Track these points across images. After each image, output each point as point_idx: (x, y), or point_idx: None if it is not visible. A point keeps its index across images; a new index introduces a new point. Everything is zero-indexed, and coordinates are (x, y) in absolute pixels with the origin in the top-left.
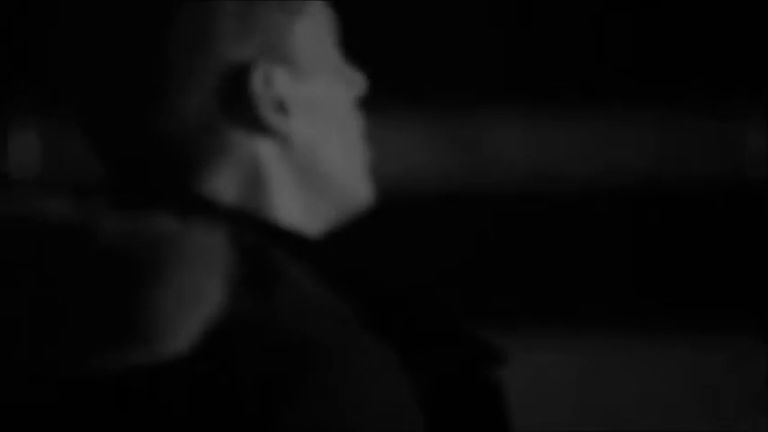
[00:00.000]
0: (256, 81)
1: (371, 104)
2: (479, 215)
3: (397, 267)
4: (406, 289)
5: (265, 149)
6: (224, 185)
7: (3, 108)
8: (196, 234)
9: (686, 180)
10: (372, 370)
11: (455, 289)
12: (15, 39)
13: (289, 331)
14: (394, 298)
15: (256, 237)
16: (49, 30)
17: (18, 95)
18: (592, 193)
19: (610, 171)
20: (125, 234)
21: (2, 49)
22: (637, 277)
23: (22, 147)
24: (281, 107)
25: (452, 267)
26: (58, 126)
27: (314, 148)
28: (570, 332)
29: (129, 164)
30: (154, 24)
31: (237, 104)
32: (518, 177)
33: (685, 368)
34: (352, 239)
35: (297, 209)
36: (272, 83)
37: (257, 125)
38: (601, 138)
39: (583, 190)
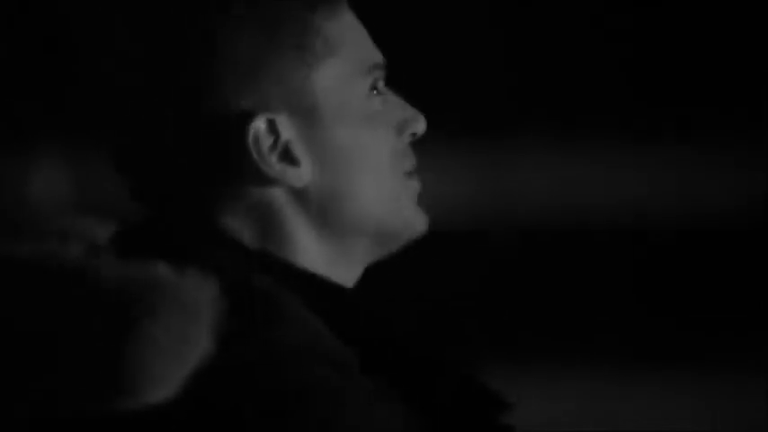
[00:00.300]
0: (254, 130)
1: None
2: (497, 249)
3: (413, 302)
4: (414, 336)
5: (277, 196)
6: (239, 227)
7: (30, 137)
8: (187, 283)
9: (700, 216)
10: (368, 417)
11: (472, 322)
12: (43, 67)
13: (278, 376)
14: (400, 346)
15: (265, 278)
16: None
17: (46, 124)
18: (607, 228)
19: (626, 205)
20: (119, 280)
21: (30, 78)
22: (648, 313)
23: (49, 174)
24: (289, 156)
25: (470, 299)
26: (86, 154)
27: (337, 196)
28: (580, 366)
29: (154, 199)
30: (167, 63)
31: (240, 152)
32: (537, 212)
33: (688, 406)
34: (371, 274)
35: (321, 255)
36: (278, 132)
37: (262, 173)
38: (620, 172)
39: (598, 224)
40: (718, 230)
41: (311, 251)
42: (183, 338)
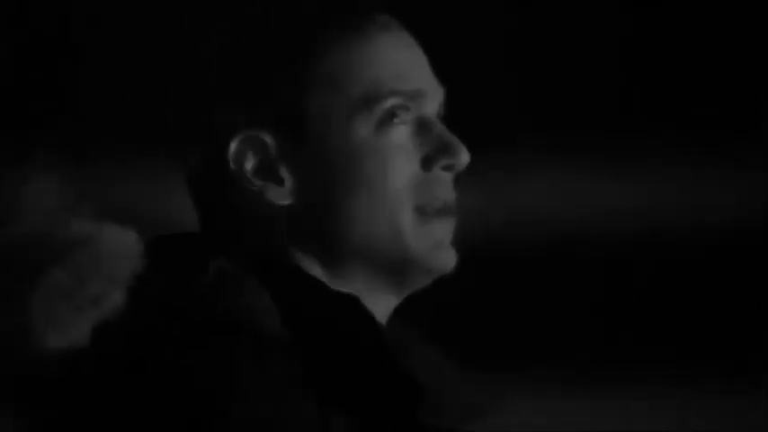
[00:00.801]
0: (236, 145)
1: None
2: (496, 260)
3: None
4: (356, 335)
5: (264, 211)
6: (241, 233)
7: (25, 148)
8: (110, 241)
9: (701, 225)
10: (268, 402)
11: (464, 331)
12: (44, 70)
13: (186, 348)
14: (341, 344)
15: (226, 261)
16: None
17: (42, 136)
18: (607, 239)
19: (626, 214)
20: (55, 238)
21: (27, 89)
22: (650, 322)
23: (42, 187)
24: (273, 174)
25: (465, 309)
26: (82, 166)
27: (327, 220)
28: (568, 382)
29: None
30: (181, 71)
31: (226, 168)
32: (536, 222)
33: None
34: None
35: (320, 268)
36: (265, 150)
37: (244, 187)
38: (618, 181)
39: (598, 235)
40: (720, 238)
41: (312, 269)
42: (90, 288)
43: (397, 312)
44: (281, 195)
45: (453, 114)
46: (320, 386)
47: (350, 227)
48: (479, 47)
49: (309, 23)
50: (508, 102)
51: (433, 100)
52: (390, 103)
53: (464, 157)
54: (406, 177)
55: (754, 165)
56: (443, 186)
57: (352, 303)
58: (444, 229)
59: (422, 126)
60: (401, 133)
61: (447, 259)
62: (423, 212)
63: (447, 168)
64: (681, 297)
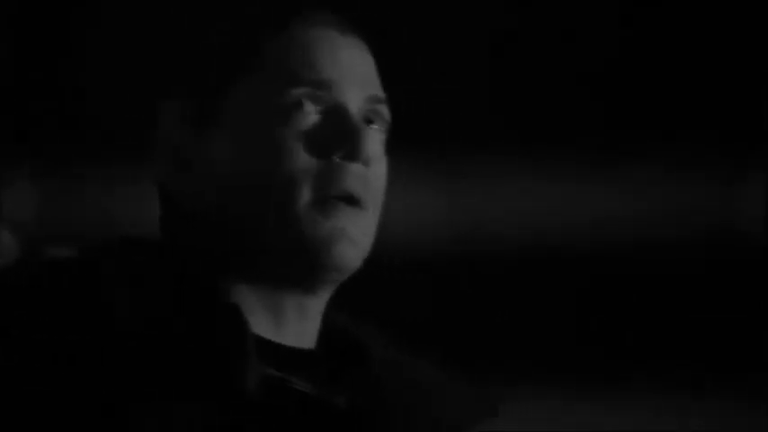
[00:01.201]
0: (159, 141)
1: None
2: (470, 276)
3: (374, 315)
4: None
5: (187, 202)
6: (171, 219)
7: (22, 150)
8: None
9: (681, 240)
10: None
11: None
12: (42, 78)
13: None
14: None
15: (136, 260)
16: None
17: (14, 145)
18: (583, 254)
19: (611, 222)
20: None
21: (27, 89)
22: (633, 331)
23: (15, 197)
24: (192, 168)
25: (435, 315)
26: (54, 176)
27: (233, 206)
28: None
29: None
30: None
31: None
32: (507, 228)
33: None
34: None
35: (226, 265)
36: (188, 144)
37: (170, 181)
38: (594, 195)
39: (573, 250)
40: (720, 238)
41: (217, 265)
42: None
43: (383, 320)
44: (184, 182)
45: (447, 118)
46: (169, 384)
47: (249, 216)
48: (465, 48)
49: (237, 19)
50: (496, 106)
51: (353, 93)
52: (297, 92)
53: (359, 146)
54: (304, 166)
55: (754, 165)
56: (344, 175)
57: (233, 312)
58: (343, 219)
59: (330, 115)
60: (307, 122)
61: (343, 252)
62: (319, 201)
63: (346, 158)
64: (680, 298)
